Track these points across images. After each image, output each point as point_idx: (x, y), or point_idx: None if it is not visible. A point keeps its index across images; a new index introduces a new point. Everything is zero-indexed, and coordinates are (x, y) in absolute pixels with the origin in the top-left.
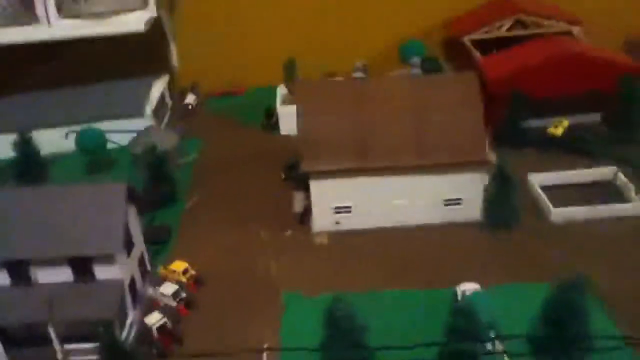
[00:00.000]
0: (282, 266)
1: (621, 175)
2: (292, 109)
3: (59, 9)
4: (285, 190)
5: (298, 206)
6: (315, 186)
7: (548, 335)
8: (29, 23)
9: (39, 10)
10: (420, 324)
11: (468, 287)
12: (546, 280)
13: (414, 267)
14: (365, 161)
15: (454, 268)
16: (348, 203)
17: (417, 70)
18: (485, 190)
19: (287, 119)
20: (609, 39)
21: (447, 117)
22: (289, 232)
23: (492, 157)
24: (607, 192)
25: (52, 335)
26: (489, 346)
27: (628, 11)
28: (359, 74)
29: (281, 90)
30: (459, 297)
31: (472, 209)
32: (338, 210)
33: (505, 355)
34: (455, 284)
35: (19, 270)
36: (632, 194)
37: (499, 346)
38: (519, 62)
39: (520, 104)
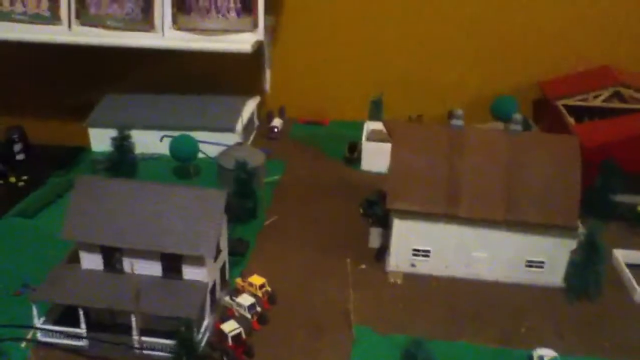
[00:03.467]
0: (353, 299)
1: None
2: (377, 145)
3: (174, 20)
4: (362, 225)
5: (374, 242)
6: (397, 225)
7: None
8: (146, 30)
9: (157, 19)
10: None
11: (546, 353)
12: (624, 356)
13: (487, 322)
14: (454, 209)
15: (528, 330)
16: (427, 247)
17: (517, 127)
18: (572, 257)
19: (371, 154)
20: None
21: (543, 177)
22: (363, 266)
23: (580, 222)
24: None
25: (134, 324)
26: None
27: None
28: (457, 122)
29: (368, 126)
30: None
31: (554, 274)
32: (416, 252)
33: None
34: (528, 347)
35: (112, 257)
36: None
37: None
38: (615, 133)
39: (612, 174)
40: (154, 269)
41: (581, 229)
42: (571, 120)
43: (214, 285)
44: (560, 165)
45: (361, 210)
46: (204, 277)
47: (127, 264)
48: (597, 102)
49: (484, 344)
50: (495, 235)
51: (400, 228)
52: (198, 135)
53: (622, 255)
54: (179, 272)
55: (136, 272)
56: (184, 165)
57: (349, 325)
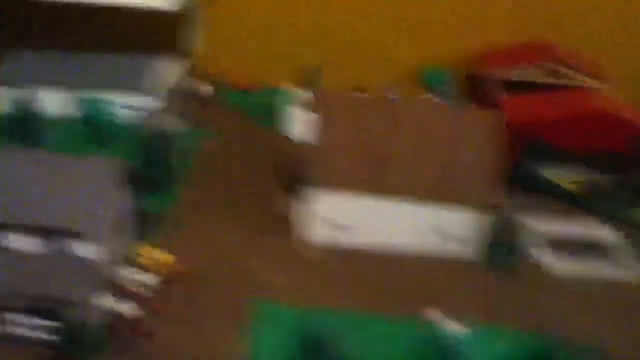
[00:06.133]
0: (266, 272)
1: (625, 240)
2: (311, 115)
3: None
4: (284, 197)
5: (296, 215)
6: (318, 198)
7: None
8: None
9: None
10: (399, 357)
11: (453, 328)
12: (533, 328)
13: (401, 294)
14: (381, 185)
15: (443, 302)
16: (348, 220)
17: (448, 101)
18: (489, 229)
19: (304, 124)
20: (634, 100)
21: (468, 155)
22: (280, 239)
23: (502, 198)
24: (608, 253)
25: (10, 305)
26: None
27: None
28: (392, 95)
29: (301, 95)
30: (444, 337)
31: (472, 248)
32: (336, 225)
33: None
34: (443, 318)
35: None
36: (632, 259)
37: None
38: (542, 110)
39: (538, 150)
40: (36, 244)
41: (503, 203)
42: (502, 94)
43: (110, 262)
44: (485, 143)
45: (286, 182)
46: (94, 254)
47: (4, 238)
48: (529, 77)
49: (396, 316)
50: (417, 210)
51: (322, 201)
52: (115, 97)
53: (540, 227)
54: (65, 248)
55: (13, 247)
56: (97, 129)
57: (256, 301)
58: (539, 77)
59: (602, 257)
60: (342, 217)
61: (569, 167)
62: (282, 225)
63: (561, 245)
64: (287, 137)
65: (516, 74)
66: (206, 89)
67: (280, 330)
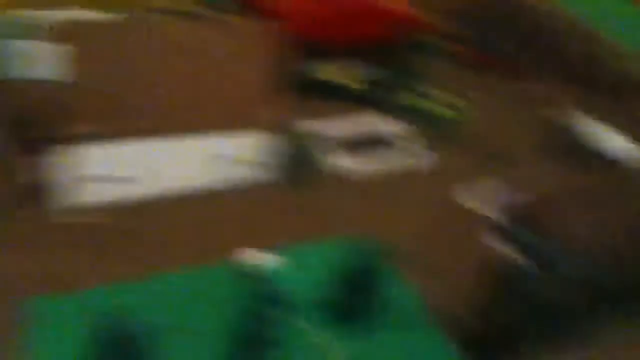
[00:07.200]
0: (12, 259)
1: (404, 129)
2: (36, 45)
3: None
4: (8, 154)
5: (27, 177)
6: (60, 151)
7: (348, 302)
8: None
9: None
10: (211, 308)
11: (255, 257)
12: (333, 237)
13: (191, 241)
14: (128, 120)
15: (249, 235)
16: (103, 170)
17: (213, 10)
18: (272, 146)
19: (27, 57)
20: None
21: (229, 68)
22: (32, 212)
23: (283, 111)
24: (397, 145)
25: None
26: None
27: None
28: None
29: (23, 20)
30: (247, 269)
31: (265, 168)
32: (90, 179)
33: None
34: (243, 252)
35: None
36: (413, 147)
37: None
38: (313, 10)
39: (313, 52)
40: None
41: (282, 115)
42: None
43: None
44: (248, 54)
45: (7, 135)
46: None
47: None
48: None
49: (201, 267)
50: (182, 142)
51: (67, 153)
52: None
53: (322, 129)
54: None
55: None
56: None
57: (14, 300)
58: None
59: (393, 150)
60: (93, 168)
61: (345, 64)
62: (12, 192)
63: (353, 146)
64: (17, 78)
65: None
66: None
67: (64, 326)
